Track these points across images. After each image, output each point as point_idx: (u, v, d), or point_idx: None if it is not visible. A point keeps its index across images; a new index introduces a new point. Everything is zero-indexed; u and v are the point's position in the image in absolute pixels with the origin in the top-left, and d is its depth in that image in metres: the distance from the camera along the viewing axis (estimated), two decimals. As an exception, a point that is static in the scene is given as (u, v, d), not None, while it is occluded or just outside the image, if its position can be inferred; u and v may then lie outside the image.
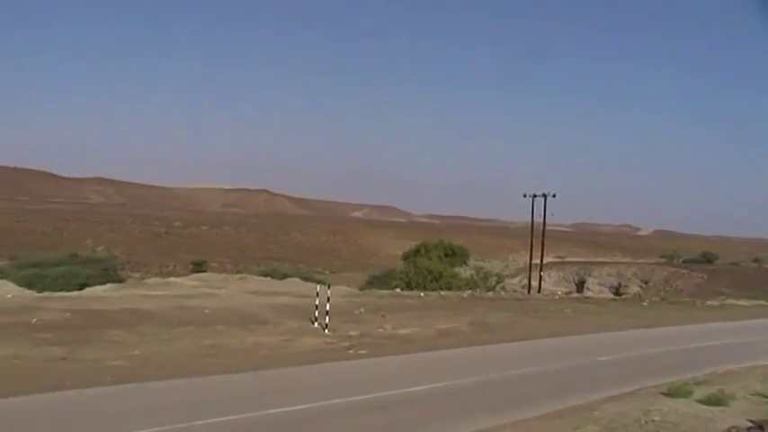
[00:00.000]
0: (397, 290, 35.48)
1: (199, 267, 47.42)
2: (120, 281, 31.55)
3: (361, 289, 37.33)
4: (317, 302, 21.78)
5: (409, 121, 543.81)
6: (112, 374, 14.04)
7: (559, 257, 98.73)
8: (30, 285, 26.85)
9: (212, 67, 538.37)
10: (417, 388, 14.89)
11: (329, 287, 22.95)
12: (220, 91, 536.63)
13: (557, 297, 44.44)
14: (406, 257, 47.91)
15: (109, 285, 27.17)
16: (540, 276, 53.01)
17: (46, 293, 24.61)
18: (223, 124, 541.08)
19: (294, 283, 32.78)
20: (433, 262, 42.86)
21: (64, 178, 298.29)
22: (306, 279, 35.49)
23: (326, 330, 20.79)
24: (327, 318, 21.09)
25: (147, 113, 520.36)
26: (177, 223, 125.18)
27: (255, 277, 34.67)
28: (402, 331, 22.47)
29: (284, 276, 35.93)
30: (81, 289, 26.75)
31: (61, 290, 26.29)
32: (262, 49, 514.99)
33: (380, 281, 42.70)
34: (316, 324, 21.40)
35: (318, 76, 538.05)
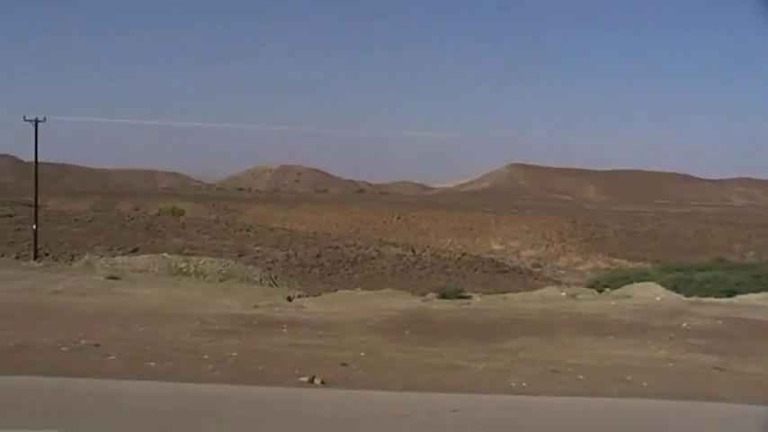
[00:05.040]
0: None
1: None
2: (774, 289, 29.77)
3: None
4: None
5: None
6: (775, 392, 13.10)
7: None
8: (675, 289, 27.34)
9: None
10: None
11: None
12: None
13: None
14: None
15: (763, 294, 25.83)
16: None
17: (693, 298, 24.73)
18: None
19: None
20: None
21: (704, 180, 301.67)
22: None
23: None
24: None
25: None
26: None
27: None
28: None
29: None
30: (729, 296, 26.05)
31: (708, 295, 26.06)
32: None
33: None
34: None
35: None
